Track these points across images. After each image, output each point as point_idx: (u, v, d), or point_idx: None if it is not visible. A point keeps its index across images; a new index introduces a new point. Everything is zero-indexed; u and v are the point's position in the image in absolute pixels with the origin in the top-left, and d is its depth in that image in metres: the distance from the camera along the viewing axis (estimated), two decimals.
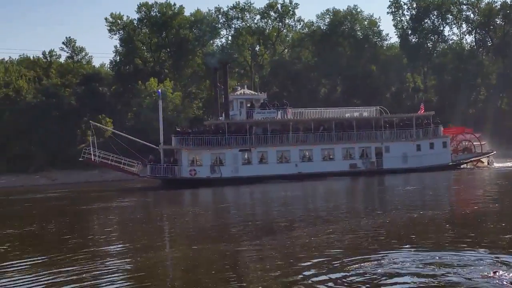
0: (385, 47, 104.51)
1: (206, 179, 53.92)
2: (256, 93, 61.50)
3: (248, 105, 58.43)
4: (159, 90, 61.15)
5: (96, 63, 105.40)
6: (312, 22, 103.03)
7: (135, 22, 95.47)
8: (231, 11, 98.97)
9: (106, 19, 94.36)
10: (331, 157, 57.74)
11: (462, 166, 60.85)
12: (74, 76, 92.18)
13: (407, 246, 15.58)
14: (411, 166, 57.62)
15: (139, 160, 55.96)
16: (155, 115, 73.89)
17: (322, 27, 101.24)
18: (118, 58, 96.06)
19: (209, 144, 55.42)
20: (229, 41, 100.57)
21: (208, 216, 27.27)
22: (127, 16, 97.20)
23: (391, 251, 14.73)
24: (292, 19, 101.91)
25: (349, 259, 13.90)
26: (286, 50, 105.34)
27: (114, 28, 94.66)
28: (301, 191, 41.84)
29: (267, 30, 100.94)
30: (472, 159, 61.85)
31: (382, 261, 13.48)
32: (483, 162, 62.20)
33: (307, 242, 17.04)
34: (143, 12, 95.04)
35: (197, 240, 18.47)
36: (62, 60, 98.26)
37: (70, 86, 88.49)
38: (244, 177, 53.41)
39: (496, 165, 62.63)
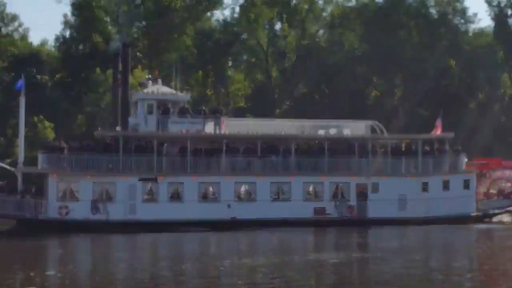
0: (471, 34, 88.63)
1: (84, 222, 44.22)
2: (175, 91, 50.19)
3: (161, 110, 47.79)
4: (20, 82, 48.68)
5: (34, 39, 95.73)
6: None
7: None
8: None
9: None
10: (285, 196, 47.51)
11: (494, 219, 50.56)
12: (0, 56, 79.41)
13: None
14: (411, 216, 46.73)
15: None
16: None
17: (376, 0, 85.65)
18: (68, 32, 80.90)
19: (93, 168, 45.45)
20: (235, 15, 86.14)
21: None
22: None
23: None
24: None
25: None
26: (321, 31, 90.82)
27: None
28: None
29: (293, 1, 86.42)
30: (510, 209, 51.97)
31: None
32: None
33: None
34: None
35: None
36: None
37: None
38: (145, 222, 43.90)
39: None
